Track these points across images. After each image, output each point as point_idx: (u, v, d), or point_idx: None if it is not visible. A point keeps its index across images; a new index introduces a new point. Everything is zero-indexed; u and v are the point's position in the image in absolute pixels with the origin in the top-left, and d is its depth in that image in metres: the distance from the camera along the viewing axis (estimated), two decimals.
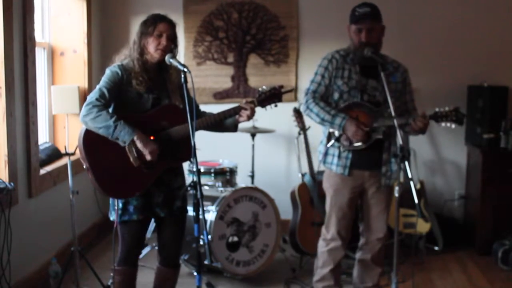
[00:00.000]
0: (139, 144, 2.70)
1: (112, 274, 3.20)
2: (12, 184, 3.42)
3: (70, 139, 4.44)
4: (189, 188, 2.68)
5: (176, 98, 2.91)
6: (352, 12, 3.27)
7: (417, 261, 4.48)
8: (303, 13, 5.13)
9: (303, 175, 4.50)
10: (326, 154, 3.39)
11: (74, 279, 3.81)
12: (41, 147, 4.17)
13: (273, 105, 3.01)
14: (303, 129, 4.48)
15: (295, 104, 4.66)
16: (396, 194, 2.84)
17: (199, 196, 2.60)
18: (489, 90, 4.72)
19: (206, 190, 4.16)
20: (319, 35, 5.07)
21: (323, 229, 3.50)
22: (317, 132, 3.72)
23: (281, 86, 3.03)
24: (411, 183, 2.77)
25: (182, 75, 2.69)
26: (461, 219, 5.16)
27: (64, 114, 4.52)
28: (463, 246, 4.82)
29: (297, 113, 4.48)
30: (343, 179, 3.35)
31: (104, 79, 2.79)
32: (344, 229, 3.43)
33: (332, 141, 3.32)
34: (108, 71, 2.82)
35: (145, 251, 4.16)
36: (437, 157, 5.17)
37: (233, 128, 3.02)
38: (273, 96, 2.99)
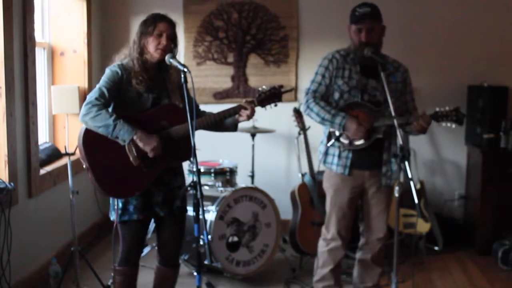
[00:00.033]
0: (140, 143, 2.70)
1: (112, 274, 3.20)
2: (12, 184, 3.42)
3: (70, 139, 4.44)
4: (189, 188, 2.68)
5: (176, 97, 2.91)
6: (352, 12, 3.27)
7: (417, 261, 4.48)
8: (303, 13, 5.13)
9: (303, 175, 4.50)
10: (326, 153, 3.39)
11: (74, 279, 3.81)
12: (41, 147, 4.17)
13: (272, 104, 3.00)
14: (303, 129, 4.48)
15: (295, 104, 4.66)
16: (396, 194, 2.84)
17: (199, 196, 2.60)
18: (489, 90, 4.72)
19: (206, 190, 4.16)
20: (319, 35, 5.07)
21: (323, 229, 3.50)
22: (317, 132, 3.72)
23: (281, 86, 3.03)
24: (411, 183, 2.77)
25: (182, 75, 2.69)
26: (461, 219, 5.16)
27: (64, 114, 4.53)
28: (463, 246, 4.82)
29: (297, 113, 4.48)
30: (343, 179, 3.35)
31: (103, 79, 2.79)
32: (344, 229, 3.43)
33: (333, 141, 3.32)
34: (108, 71, 2.82)
35: (145, 251, 4.15)
36: (437, 157, 5.17)
37: (233, 127, 3.02)
38: (273, 96, 2.99)
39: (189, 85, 2.66)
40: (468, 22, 5.01)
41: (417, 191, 2.92)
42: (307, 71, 4.93)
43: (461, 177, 5.14)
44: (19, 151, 3.62)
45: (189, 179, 3.95)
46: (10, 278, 3.38)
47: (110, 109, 2.80)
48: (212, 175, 4.31)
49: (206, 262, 3.43)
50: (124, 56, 2.89)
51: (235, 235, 3.99)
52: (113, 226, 2.88)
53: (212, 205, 3.94)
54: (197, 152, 2.67)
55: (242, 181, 4.68)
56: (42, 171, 3.99)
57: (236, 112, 2.92)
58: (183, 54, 5.14)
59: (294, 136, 4.88)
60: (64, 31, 4.70)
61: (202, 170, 4.31)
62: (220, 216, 3.92)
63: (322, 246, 3.50)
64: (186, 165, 3.79)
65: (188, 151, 2.73)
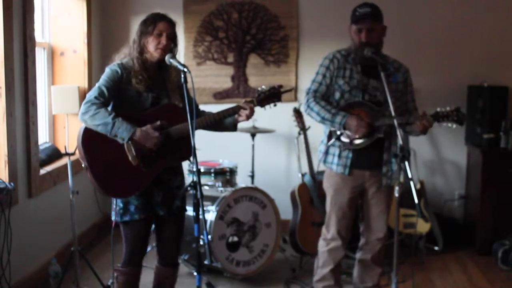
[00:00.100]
0: (141, 140, 2.69)
1: (112, 274, 3.20)
2: (12, 184, 3.42)
3: (70, 139, 4.44)
4: (189, 188, 2.67)
5: (176, 97, 2.91)
6: (352, 12, 3.27)
7: (417, 261, 4.48)
8: (303, 13, 5.13)
9: (303, 175, 4.50)
10: (326, 153, 3.39)
11: (74, 279, 3.81)
12: (41, 147, 4.17)
13: (272, 104, 3.00)
14: (303, 129, 4.48)
15: (295, 104, 4.66)
16: (396, 194, 2.84)
17: (199, 196, 2.59)
18: (489, 90, 4.72)
19: (206, 190, 4.16)
20: (319, 35, 5.07)
21: (323, 229, 3.50)
22: (317, 132, 3.72)
23: (280, 86, 3.03)
24: (411, 183, 2.77)
25: (182, 75, 2.69)
26: (461, 219, 5.16)
27: (64, 114, 4.53)
28: (463, 246, 4.82)
29: (297, 113, 4.48)
30: (344, 179, 3.35)
31: (103, 78, 2.79)
32: (344, 229, 3.43)
33: (333, 140, 3.32)
34: (107, 70, 2.82)
35: None
36: (437, 157, 5.17)
37: (233, 127, 3.02)
38: (272, 96, 2.98)
39: (189, 85, 2.66)
40: (468, 22, 5.01)
41: (417, 191, 2.91)
42: (307, 71, 4.93)
43: (461, 177, 5.14)
44: (19, 151, 3.62)
45: (189, 179, 3.95)
46: (10, 278, 3.38)
47: (109, 108, 2.80)
48: (212, 175, 4.31)
49: (206, 262, 3.43)
50: (124, 56, 2.89)
51: (235, 235, 3.99)
52: (113, 226, 2.88)
53: (212, 205, 3.94)
54: (197, 152, 2.67)
55: (242, 181, 4.68)
56: (42, 171, 3.99)
57: (235, 112, 2.92)
58: (183, 54, 5.14)
59: (294, 136, 4.88)
60: (64, 31, 4.70)
61: (202, 170, 4.31)
62: (220, 216, 3.91)
63: (322, 246, 3.50)
64: (186, 165, 3.79)
65: (188, 151, 2.73)
